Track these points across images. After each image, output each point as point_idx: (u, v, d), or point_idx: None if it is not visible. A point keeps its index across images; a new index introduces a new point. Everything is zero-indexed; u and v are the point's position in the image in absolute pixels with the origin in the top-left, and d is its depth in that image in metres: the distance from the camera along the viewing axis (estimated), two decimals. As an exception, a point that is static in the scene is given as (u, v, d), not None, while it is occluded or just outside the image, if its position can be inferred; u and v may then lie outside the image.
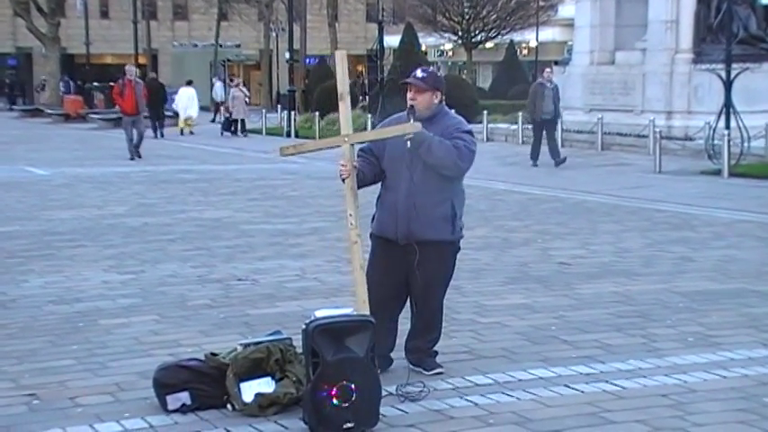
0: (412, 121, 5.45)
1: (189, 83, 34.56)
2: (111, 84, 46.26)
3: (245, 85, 34.86)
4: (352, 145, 5.41)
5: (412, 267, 5.55)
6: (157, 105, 30.41)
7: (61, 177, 17.58)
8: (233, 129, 30.85)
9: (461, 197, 5.74)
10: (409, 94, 5.61)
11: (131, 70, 22.57)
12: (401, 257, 5.58)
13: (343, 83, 5.44)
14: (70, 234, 11.06)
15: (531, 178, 17.29)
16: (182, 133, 31.36)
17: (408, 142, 5.39)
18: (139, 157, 21.62)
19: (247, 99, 31.74)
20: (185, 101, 32.63)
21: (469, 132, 5.66)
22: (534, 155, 19.71)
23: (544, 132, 19.79)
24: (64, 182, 16.84)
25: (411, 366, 5.65)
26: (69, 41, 51.65)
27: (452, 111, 5.79)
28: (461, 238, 5.80)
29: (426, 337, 5.78)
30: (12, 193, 15.12)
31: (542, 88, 19.55)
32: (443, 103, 5.68)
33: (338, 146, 5.43)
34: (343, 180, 5.37)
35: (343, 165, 5.35)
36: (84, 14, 46.14)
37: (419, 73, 5.66)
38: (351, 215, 5.32)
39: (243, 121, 30.84)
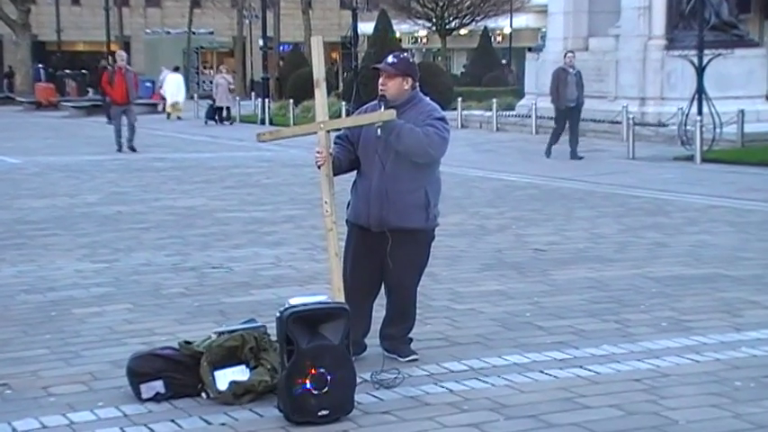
0: (383, 108, 5.45)
1: (176, 69, 34.61)
2: (84, 71, 46.13)
3: (228, 72, 33.85)
4: (328, 132, 5.40)
5: (384, 256, 5.54)
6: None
7: (33, 166, 17.44)
8: (217, 117, 30.20)
9: (436, 185, 5.71)
10: (380, 80, 5.57)
11: (122, 56, 21.30)
12: (375, 244, 5.57)
13: (319, 69, 5.42)
14: (43, 223, 10.98)
15: (506, 165, 17.32)
16: (168, 118, 31.36)
17: (379, 129, 5.38)
18: (134, 150, 20.00)
19: (231, 86, 30.96)
20: (173, 86, 32.54)
21: (442, 119, 5.63)
22: (550, 146, 18.34)
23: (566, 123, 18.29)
24: (36, 170, 16.70)
25: (386, 353, 5.66)
26: (40, 28, 51.17)
27: (427, 97, 5.77)
28: (436, 227, 5.79)
29: (400, 325, 5.78)
30: (-17, 182, 14.99)
31: (564, 74, 18.12)
32: (417, 89, 5.65)
33: (314, 132, 5.41)
34: (319, 167, 5.36)
35: (318, 152, 5.34)
36: (54, 1, 45.70)
37: (390, 59, 5.63)
38: (326, 202, 5.31)
39: (228, 108, 30.23)
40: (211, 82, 41.32)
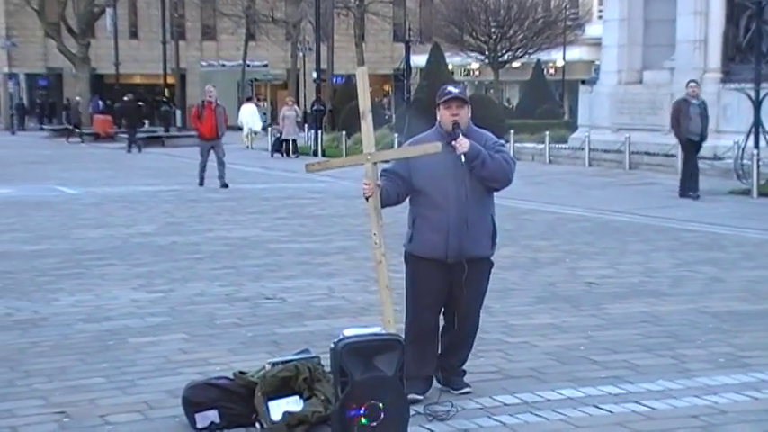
0: (461, 136, 5.41)
1: (249, 99, 35.18)
2: (140, 103, 46.99)
3: (294, 103, 32.62)
4: (375, 163, 5.41)
5: (459, 285, 5.52)
6: (134, 125, 34.54)
7: (91, 196, 17.73)
8: (284, 150, 29.72)
9: (494, 211, 5.75)
10: (450, 111, 5.51)
11: (211, 91, 20.24)
12: (447, 276, 5.54)
13: (364, 101, 5.42)
14: (100, 253, 11.14)
15: (559, 198, 17.24)
16: (248, 148, 31.71)
17: (462, 156, 5.37)
18: (226, 186, 19.05)
19: (299, 119, 30.13)
20: (247, 116, 32.97)
21: (504, 145, 5.73)
22: (689, 183, 16.75)
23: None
24: (93, 201, 16.98)
25: (439, 386, 5.65)
26: (99, 62, 52.17)
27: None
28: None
29: (459, 354, 5.75)
30: (43, 213, 15.27)
31: (687, 105, 16.70)
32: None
33: (362, 164, 5.44)
34: (367, 199, 5.38)
35: (366, 184, 5.35)
36: (113, 35, 46.63)
37: (454, 88, 5.64)
38: (375, 234, 5.32)
39: (294, 141, 29.86)
40: (265, 114, 41.90)
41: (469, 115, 5.59)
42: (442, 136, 5.52)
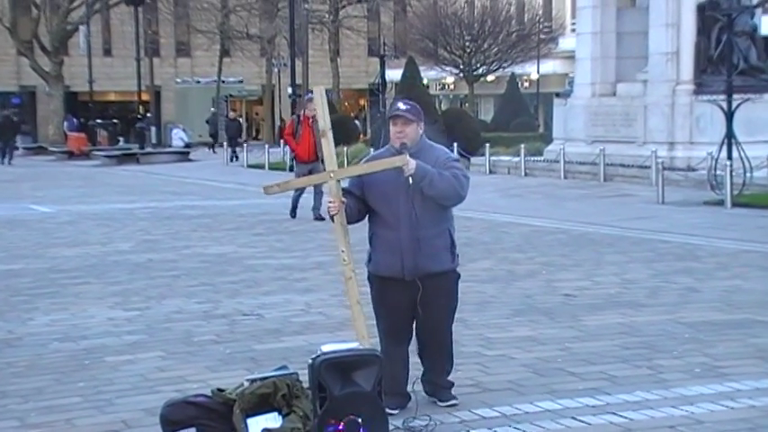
0: (407, 155, 5.38)
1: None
2: (115, 121, 46.79)
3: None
4: (339, 181, 5.42)
5: (421, 301, 5.52)
6: (10, 138, 38.42)
7: (65, 215, 17.62)
8: None
9: (454, 224, 5.76)
10: (396, 128, 5.50)
11: (313, 100, 17.67)
12: (408, 293, 5.54)
13: (324, 119, 5.46)
14: (75, 271, 11.08)
15: (535, 210, 17.30)
16: None
17: (410, 178, 5.35)
18: (321, 219, 14.69)
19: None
20: None
21: (458, 161, 5.73)
22: None
23: None
24: (68, 219, 16.88)
25: (426, 395, 5.64)
26: (73, 79, 51.94)
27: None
28: (458, 266, 5.80)
29: (439, 372, 5.74)
30: (16, 231, 15.16)
31: None
32: (423, 134, 5.65)
33: (325, 182, 5.45)
34: (332, 217, 5.38)
35: (331, 201, 5.37)
36: (87, 52, 46.43)
37: (403, 105, 5.60)
38: (343, 251, 5.35)
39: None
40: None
41: (421, 131, 5.55)
42: (396, 151, 5.50)
